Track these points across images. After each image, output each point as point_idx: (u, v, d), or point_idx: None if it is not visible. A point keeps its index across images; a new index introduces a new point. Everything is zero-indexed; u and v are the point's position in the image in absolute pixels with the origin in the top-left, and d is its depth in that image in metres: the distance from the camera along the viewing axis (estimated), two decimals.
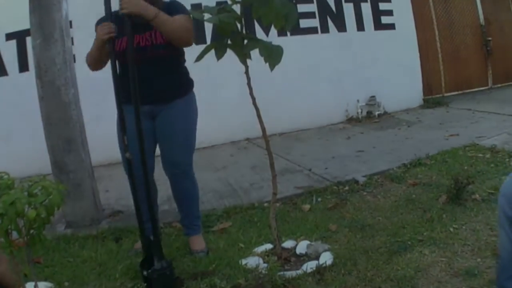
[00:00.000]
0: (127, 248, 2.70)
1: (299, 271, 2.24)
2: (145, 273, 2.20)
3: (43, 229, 1.82)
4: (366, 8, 6.23)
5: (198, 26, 4.74)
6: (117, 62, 2.30)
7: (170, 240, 2.76)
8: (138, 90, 2.20)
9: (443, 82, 7.05)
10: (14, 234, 1.77)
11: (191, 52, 2.36)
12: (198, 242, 2.60)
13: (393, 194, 3.25)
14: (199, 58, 2.17)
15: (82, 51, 2.21)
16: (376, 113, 6.26)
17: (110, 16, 2.29)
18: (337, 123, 6.09)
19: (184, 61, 2.55)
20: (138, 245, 2.56)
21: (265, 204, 3.23)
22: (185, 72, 2.56)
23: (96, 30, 2.35)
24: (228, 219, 3.04)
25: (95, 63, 2.42)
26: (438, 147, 4.25)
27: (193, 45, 2.39)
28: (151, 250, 2.23)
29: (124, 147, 2.26)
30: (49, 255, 2.64)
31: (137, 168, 2.28)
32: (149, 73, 2.36)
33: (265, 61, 2.05)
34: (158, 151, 2.56)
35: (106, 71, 2.39)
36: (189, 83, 2.57)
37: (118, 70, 2.30)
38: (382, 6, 6.33)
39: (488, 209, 2.76)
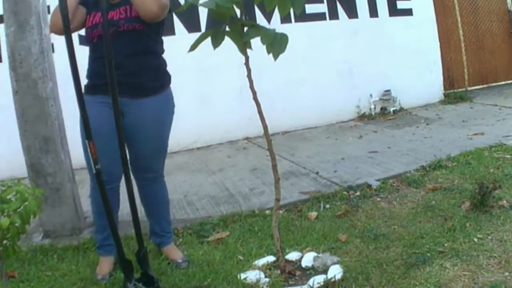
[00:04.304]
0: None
1: (305, 287, 2.24)
2: None
3: (18, 239, 1.82)
4: None
5: (192, 11, 4.74)
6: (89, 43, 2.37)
7: (161, 251, 2.75)
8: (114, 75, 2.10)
9: (466, 75, 7.06)
10: None
11: (184, 42, 2.36)
12: (176, 252, 2.66)
13: (410, 200, 3.26)
14: (193, 47, 2.16)
15: (61, 40, 2.19)
16: (391, 109, 6.27)
17: None
18: (348, 120, 6.11)
19: (163, 51, 2.50)
20: (102, 270, 2.53)
21: (267, 212, 3.23)
22: (164, 63, 2.52)
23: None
24: (225, 228, 3.04)
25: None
26: (460, 148, 4.26)
27: (187, 33, 2.38)
28: (131, 269, 2.26)
29: (93, 159, 2.15)
30: (24, 268, 2.63)
31: (106, 175, 2.26)
32: (123, 54, 2.28)
33: (268, 51, 2.04)
34: None
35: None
36: (167, 78, 2.53)
37: (91, 53, 2.36)
38: None
39: None
